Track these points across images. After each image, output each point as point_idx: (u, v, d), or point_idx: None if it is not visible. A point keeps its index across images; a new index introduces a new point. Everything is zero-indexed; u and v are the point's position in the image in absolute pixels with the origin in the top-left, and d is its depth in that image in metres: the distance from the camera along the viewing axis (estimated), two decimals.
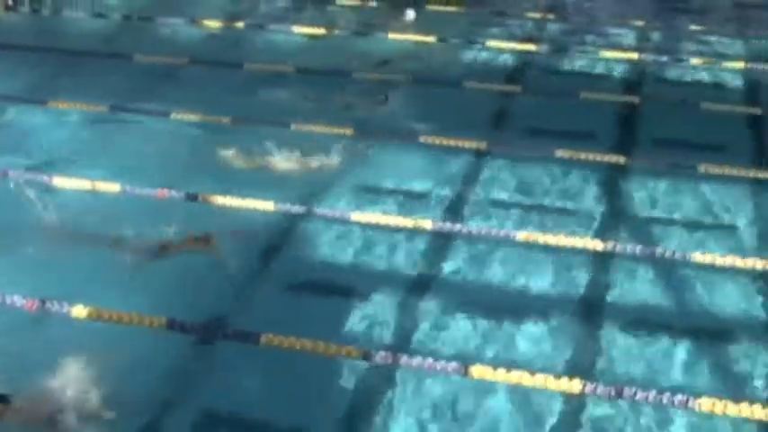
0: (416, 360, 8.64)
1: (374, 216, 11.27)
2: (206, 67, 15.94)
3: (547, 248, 10.76)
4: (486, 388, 8.54)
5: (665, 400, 8.19)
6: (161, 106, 14.08)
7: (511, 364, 8.66)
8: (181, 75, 15.76)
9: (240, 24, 18.17)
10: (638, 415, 8.35)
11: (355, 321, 9.60)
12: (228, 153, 12.65)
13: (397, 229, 11.12)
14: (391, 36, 17.60)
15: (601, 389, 8.40)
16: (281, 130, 13.29)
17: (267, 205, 11.33)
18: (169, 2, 19.41)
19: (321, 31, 17.85)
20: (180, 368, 8.88)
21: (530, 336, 9.42)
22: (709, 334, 9.60)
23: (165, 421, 8.30)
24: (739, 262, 10.51)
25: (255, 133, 13.19)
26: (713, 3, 20.34)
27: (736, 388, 8.77)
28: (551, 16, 19.37)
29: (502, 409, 8.39)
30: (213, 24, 18.07)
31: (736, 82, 16.49)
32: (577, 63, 16.98)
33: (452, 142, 13.08)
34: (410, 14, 18.32)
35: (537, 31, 18.55)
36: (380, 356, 8.72)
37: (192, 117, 13.83)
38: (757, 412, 8.14)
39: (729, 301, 10.12)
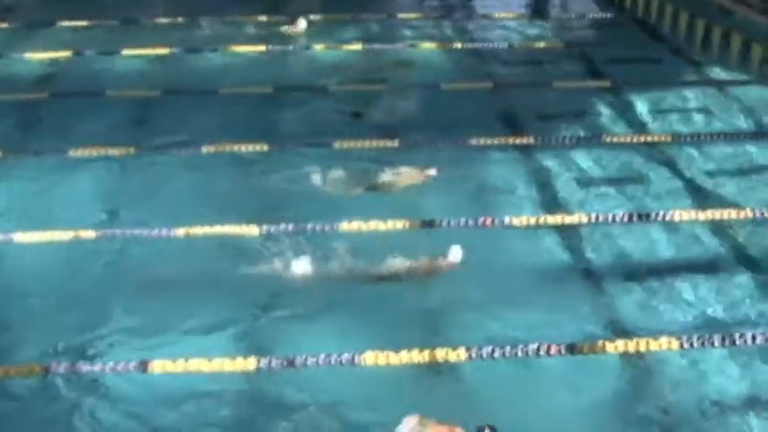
0: (97, 365, 8.48)
1: None
2: None
3: None
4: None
5: (333, 361, 8.43)
6: None
7: (190, 356, 8.63)
8: None
9: None
10: (314, 379, 8.56)
11: None
12: None
13: None
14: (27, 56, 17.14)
15: (276, 361, 8.54)
16: None
17: None
18: None
19: None
20: None
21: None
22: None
23: None
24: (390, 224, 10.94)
25: None
26: None
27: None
28: (181, 19, 19.36)
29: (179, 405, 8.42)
30: None
31: (359, 63, 17.11)
32: (216, 61, 17.14)
33: None
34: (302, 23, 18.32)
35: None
36: (62, 368, 8.48)
37: None
38: (416, 357, 8.52)
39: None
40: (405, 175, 12.24)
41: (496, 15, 20.31)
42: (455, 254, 10.27)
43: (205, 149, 12.86)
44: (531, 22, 20.01)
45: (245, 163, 12.87)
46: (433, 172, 12.17)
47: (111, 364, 8.48)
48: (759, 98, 15.33)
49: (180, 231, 10.61)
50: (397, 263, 10.25)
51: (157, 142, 13.37)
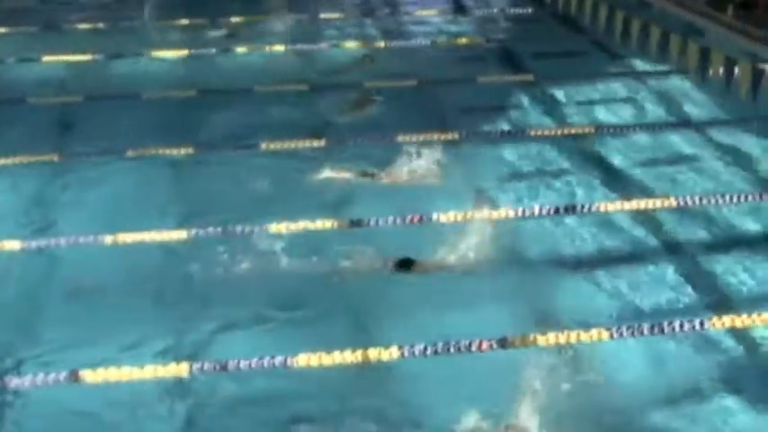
0: (26, 379, 8.30)
1: None
2: None
3: None
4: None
5: (266, 364, 8.32)
6: None
7: (121, 364, 8.48)
8: None
9: None
10: (245, 380, 8.48)
11: None
12: None
13: None
14: None
15: (208, 365, 8.43)
16: None
17: None
18: None
19: None
20: None
21: None
22: None
23: None
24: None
25: None
26: None
27: None
28: (102, 25, 19.14)
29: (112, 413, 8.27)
30: None
31: (283, 63, 17.05)
32: (139, 65, 16.92)
33: None
34: None
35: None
36: None
37: None
38: (348, 357, 8.46)
39: None
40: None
41: (418, 13, 20.36)
42: None
43: (130, 154, 12.68)
44: (452, 19, 20.10)
45: (171, 167, 12.73)
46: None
47: (40, 376, 8.27)
48: (678, 88, 15.55)
49: (107, 238, 10.43)
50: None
51: (81, 149, 13.19)
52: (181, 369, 8.36)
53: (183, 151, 12.82)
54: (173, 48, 17.37)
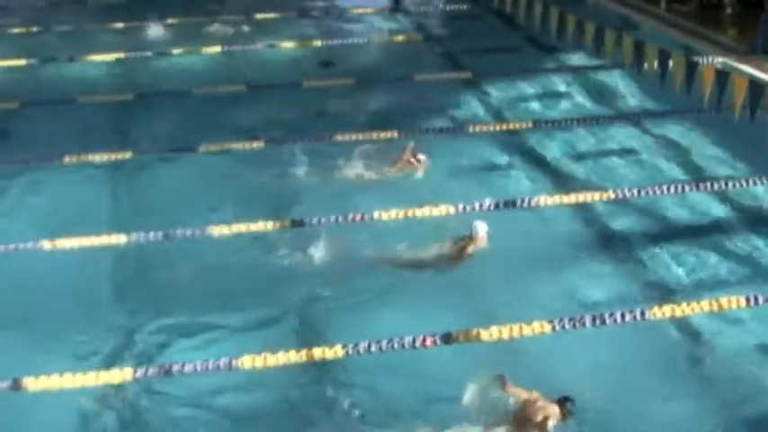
0: None
1: None
2: None
3: None
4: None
5: (210, 367, 8.30)
6: None
7: (64, 370, 8.42)
8: None
9: None
10: (195, 386, 8.46)
11: None
12: None
13: None
14: None
15: (152, 370, 8.40)
16: None
17: None
18: None
19: None
20: None
21: None
22: None
23: None
24: None
25: None
26: None
27: None
28: (35, 29, 18.95)
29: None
30: None
31: (220, 64, 16.99)
32: (74, 70, 16.77)
33: None
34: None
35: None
36: None
37: None
38: (293, 357, 8.45)
39: None
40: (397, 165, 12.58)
41: (355, 11, 20.39)
42: (480, 229, 10.48)
43: (67, 160, 12.54)
44: (389, 17, 20.17)
45: (109, 171, 12.63)
46: (423, 156, 12.57)
47: None
48: (613, 81, 15.73)
49: (46, 244, 10.32)
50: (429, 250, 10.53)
51: (17, 155, 13.03)
52: (125, 374, 8.32)
53: (121, 155, 12.71)
54: (108, 51, 17.19)
